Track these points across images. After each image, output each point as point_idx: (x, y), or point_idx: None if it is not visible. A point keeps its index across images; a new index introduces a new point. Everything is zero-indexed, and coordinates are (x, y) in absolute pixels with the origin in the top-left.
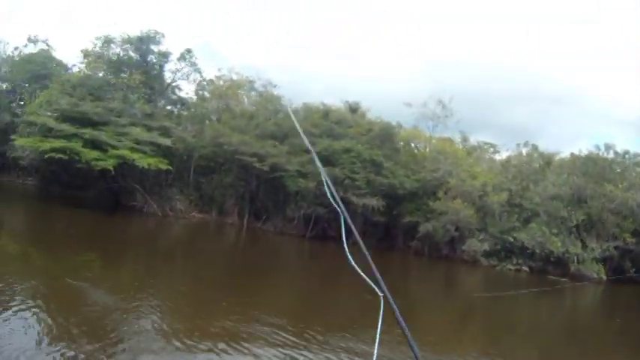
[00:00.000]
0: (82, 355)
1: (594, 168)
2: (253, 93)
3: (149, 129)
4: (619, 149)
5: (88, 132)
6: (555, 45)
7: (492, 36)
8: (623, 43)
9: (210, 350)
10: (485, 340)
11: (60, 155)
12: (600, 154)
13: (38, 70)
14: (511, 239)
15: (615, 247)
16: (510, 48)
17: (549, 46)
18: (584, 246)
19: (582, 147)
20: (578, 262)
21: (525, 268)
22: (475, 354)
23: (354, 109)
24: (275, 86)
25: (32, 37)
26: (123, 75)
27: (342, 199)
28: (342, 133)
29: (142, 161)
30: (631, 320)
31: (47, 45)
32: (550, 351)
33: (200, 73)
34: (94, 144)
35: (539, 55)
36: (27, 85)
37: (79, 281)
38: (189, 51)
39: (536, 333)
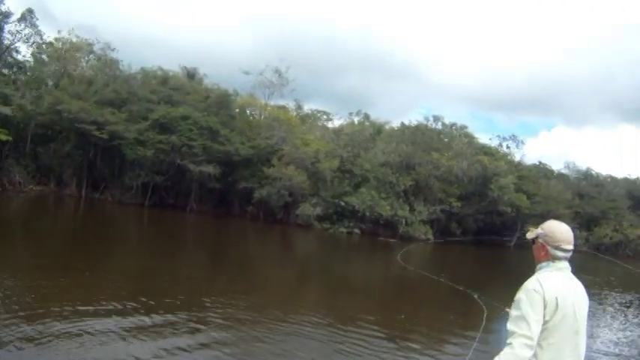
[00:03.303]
0: None
1: (422, 137)
2: (92, 56)
3: None
4: (447, 121)
5: None
6: (398, 18)
7: (329, 4)
8: (466, 24)
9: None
10: (320, 293)
11: None
12: (429, 125)
13: None
14: (342, 203)
15: (442, 211)
16: (348, 14)
17: (391, 18)
18: (412, 209)
19: (412, 118)
20: (406, 225)
21: (357, 231)
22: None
23: (191, 75)
24: (113, 50)
25: None
26: None
27: (179, 167)
28: (181, 100)
29: None
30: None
31: None
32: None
33: (41, 35)
34: None
35: (381, 27)
36: None
37: None
38: (30, 11)
39: (366, 287)
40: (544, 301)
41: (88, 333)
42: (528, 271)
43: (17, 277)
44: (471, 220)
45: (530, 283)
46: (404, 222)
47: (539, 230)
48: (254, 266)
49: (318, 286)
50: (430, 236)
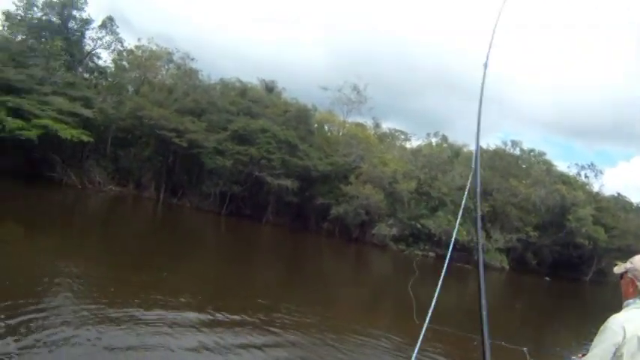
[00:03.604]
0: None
1: (501, 162)
2: (171, 65)
3: (71, 99)
4: (525, 147)
5: (11, 99)
6: (473, 43)
7: (412, 25)
8: (543, 45)
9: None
10: (394, 313)
11: None
12: (507, 149)
13: None
14: (419, 226)
15: (518, 240)
16: (427, 39)
17: (467, 44)
18: (489, 236)
19: (490, 142)
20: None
21: (432, 254)
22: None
23: (270, 88)
24: (193, 59)
25: None
26: (43, 40)
27: (257, 179)
28: (259, 113)
29: (65, 132)
30: (531, 305)
31: None
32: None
33: (121, 42)
34: (17, 112)
35: (456, 50)
36: None
37: None
38: (110, 19)
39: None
40: (624, 339)
41: (165, 323)
42: (603, 311)
43: (100, 269)
44: (547, 251)
45: (611, 321)
46: None
47: (628, 264)
48: (329, 281)
49: (393, 306)
50: (505, 265)
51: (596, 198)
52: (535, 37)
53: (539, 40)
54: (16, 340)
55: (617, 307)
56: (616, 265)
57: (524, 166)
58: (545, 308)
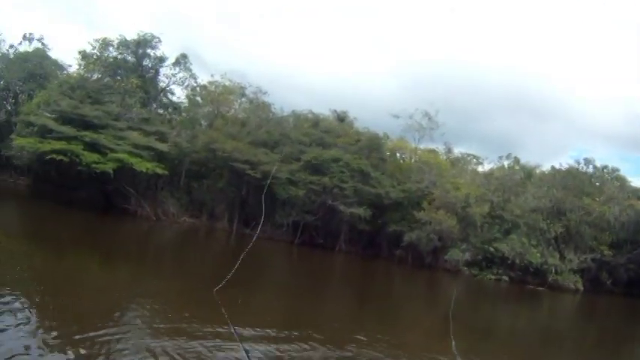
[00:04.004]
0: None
1: (573, 181)
2: (244, 99)
3: (146, 133)
4: (598, 164)
5: (88, 135)
6: (541, 60)
7: (477, 47)
8: (609, 60)
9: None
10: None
11: (61, 157)
12: (580, 168)
13: (34, 69)
14: (492, 249)
15: (592, 259)
16: (495, 60)
17: (535, 61)
18: (562, 257)
19: (563, 161)
20: (556, 273)
21: (505, 278)
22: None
23: (341, 118)
24: (265, 93)
25: (27, 35)
26: (118, 78)
27: (329, 207)
28: (332, 143)
29: (141, 165)
30: (607, 328)
31: (42, 44)
32: (529, 353)
33: (195, 78)
34: (93, 147)
35: (524, 68)
36: (22, 83)
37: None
38: (184, 56)
39: (517, 337)
40: None
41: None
42: None
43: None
44: (622, 270)
45: None
46: (553, 270)
47: None
48: (403, 307)
49: (469, 332)
50: (580, 286)
51: None
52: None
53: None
54: None
55: None
56: None
57: (597, 184)
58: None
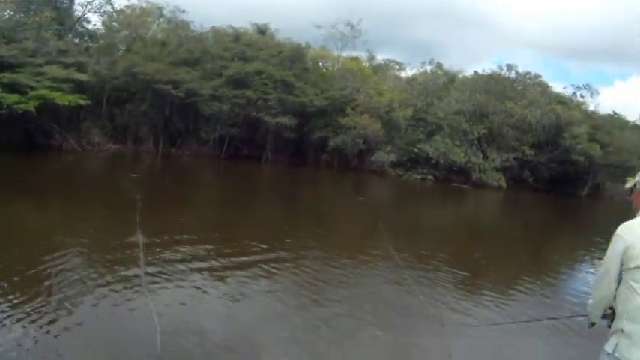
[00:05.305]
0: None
1: (496, 86)
2: (162, 19)
3: (65, 66)
4: (520, 69)
5: (7, 75)
6: None
7: None
8: None
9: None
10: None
11: None
12: (502, 73)
13: None
14: (416, 151)
15: (515, 159)
16: None
17: None
18: (485, 157)
19: (485, 67)
20: (479, 171)
21: (430, 177)
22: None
23: (262, 30)
24: (183, 12)
25: None
26: (31, 13)
27: (254, 119)
28: (254, 56)
29: (63, 99)
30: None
31: None
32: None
33: (112, 4)
34: (12, 87)
35: None
36: None
37: None
38: None
39: (446, 230)
40: (632, 242)
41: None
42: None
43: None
44: (543, 169)
45: (620, 226)
46: (477, 169)
47: (637, 178)
48: (331, 211)
49: (400, 228)
50: (503, 183)
51: (591, 116)
52: None
53: None
54: None
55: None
56: (625, 181)
57: (519, 89)
58: (545, 221)
